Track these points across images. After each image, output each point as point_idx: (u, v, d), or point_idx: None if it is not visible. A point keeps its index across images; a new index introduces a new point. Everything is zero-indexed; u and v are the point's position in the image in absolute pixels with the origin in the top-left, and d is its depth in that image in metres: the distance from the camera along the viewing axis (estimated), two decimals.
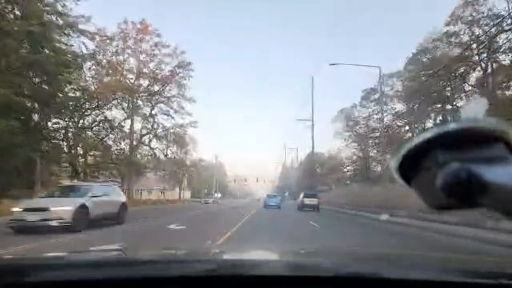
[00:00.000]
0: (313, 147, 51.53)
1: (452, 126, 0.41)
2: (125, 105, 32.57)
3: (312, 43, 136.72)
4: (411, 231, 12.08)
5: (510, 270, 1.22)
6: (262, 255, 1.70)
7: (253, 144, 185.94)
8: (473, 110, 0.45)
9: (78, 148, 27.82)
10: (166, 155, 38.82)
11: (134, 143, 35.33)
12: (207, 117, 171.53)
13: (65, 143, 26.68)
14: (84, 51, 26.11)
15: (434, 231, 11.30)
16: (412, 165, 0.43)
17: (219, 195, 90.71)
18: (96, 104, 27.11)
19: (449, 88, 28.44)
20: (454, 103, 27.44)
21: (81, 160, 28.86)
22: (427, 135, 0.41)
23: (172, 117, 35.49)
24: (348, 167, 56.37)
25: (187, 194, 75.69)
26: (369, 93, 45.41)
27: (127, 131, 33.16)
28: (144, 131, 35.67)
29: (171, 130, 36.76)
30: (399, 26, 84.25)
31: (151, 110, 34.34)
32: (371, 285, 1.00)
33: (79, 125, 27.36)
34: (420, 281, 0.97)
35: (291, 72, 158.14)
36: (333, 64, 22.58)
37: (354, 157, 53.12)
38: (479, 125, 0.40)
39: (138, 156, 42.72)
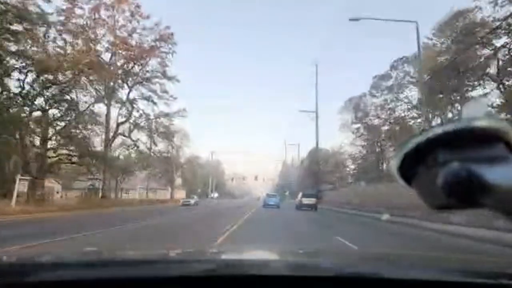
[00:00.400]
0: (317, 141, 45.85)
1: (452, 125, 0.40)
2: (98, 87, 26.70)
3: (314, 35, 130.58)
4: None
5: (510, 270, 1.19)
6: (262, 255, 1.67)
7: (253, 142, 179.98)
8: (473, 109, 0.46)
9: (28, 137, 21.86)
10: (150, 149, 32.96)
11: (111, 133, 29.48)
12: (205, 116, 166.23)
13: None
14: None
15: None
16: (413, 165, 0.43)
17: (216, 194, 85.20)
18: (46, 79, 21.08)
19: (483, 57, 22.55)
20: (501, 78, 21.50)
21: (38, 151, 22.95)
22: (428, 134, 0.41)
23: (154, 103, 29.58)
24: (354, 163, 50.55)
25: (181, 194, 69.96)
26: (382, 79, 39.60)
27: (99, 118, 27.22)
28: (121, 119, 29.73)
29: (153, 118, 30.84)
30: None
31: (128, 93, 28.39)
32: (371, 285, 0.98)
33: (30, 108, 21.37)
34: (420, 281, 0.95)
35: (291, 67, 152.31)
36: (354, 20, 16.78)
37: (362, 152, 47.22)
38: (480, 125, 0.39)
39: (123, 151, 37.06)
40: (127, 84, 27.65)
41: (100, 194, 29.39)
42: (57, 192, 52.98)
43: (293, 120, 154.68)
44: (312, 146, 61.42)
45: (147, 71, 27.85)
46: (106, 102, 28.39)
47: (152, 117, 30.17)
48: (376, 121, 41.80)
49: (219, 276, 1.00)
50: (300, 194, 30.08)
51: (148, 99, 29.03)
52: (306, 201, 27.57)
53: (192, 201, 34.46)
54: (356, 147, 47.37)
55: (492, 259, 2.55)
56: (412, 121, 39.36)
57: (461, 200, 0.38)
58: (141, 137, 32.94)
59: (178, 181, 62.42)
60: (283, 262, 1.29)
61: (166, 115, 32.05)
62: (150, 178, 53.10)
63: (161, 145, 46.78)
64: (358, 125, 43.52)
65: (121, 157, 50.15)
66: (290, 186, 74.33)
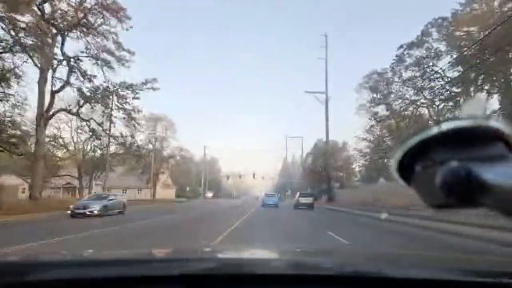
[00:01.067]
0: (327, 129, 36.60)
1: (451, 124, 0.39)
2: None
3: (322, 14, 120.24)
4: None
5: (510, 269, 1.16)
6: (262, 254, 1.62)
7: (252, 140, 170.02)
8: (472, 108, 0.43)
9: None
10: (107, 131, 23.65)
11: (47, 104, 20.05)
12: (203, 114, 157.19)
13: None
14: None
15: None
16: (411, 164, 0.42)
17: (210, 194, 76.19)
18: None
19: None
20: None
21: None
22: (426, 133, 0.40)
23: (107, 64, 20.20)
24: (368, 157, 41.26)
25: (170, 193, 60.71)
26: (410, 48, 30.28)
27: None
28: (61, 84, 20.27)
29: (112, 89, 21.50)
30: None
31: (62, 44, 18.74)
32: (371, 284, 0.95)
33: None
34: (420, 280, 0.93)
35: (295, 54, 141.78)
36: None
37: (374, 144, 37.91)
38: (479, 124, 0.39)
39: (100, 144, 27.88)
40: (56, 27, 17.98)
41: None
42: (23, 192, 44.49)
43: (295, 115, 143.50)
44: (317, 139, 52.65)
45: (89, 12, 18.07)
46: (37, 61, 19.04)
47: (106, 84, 20.74)
48: (399, 102, 32.75)
49: (219, 274, 0.97)
50: (297, 194, 31.00)
51: (96, 58, 19.68)
52: (303, 200, 28.16)
53: (96, 207, 15.28)
54: (371, 137, 38.21)
55: (492, 258, 2.41)
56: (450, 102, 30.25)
57: (460, 199, 0.37)
58: (94, 114, 23.59)
59: (164, 179, 52.99)
60: (284, 261, 1.26)
61: (130, 86, 22.76)
62: (126, 174, 43.83)
63: (141, 136, 37.81)
64: (378, 108, 34.25)
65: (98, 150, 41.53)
66: (292, 185, 65.69)
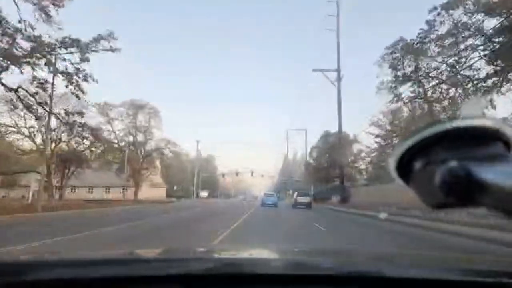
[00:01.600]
0: (339, 113, 29.77)
1: (450, 124, 0.39)
2: None
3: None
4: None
5: (510, 269, 1.14)
6: (262, 254, 1.59)
7: (252, 137, 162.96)
8: (471, 107, 0.42)
9: None
10: (42, 104, 16.84)
11: None
12: (201, 114, 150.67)
13: None
14: None
15: None
16: (410, 164, 0.41)
17: (205, 193, 69.56)
18: None
19: None
20: None
21: None
22: (425, 133, 0.39)
23: None
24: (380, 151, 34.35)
25: (160, 192, 54.03)
26: (446, 8, 23.65)
27: None
28: None
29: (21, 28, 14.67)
30: None
31: None
32: (371, 284, 0.95)
33: None
34: (420, 280, 0.92)
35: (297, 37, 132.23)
36: None
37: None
38: (478, 123, 0.38)
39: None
40: None
41: None
42: None
43: (297, 109, 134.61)
44: (324, 131, 45.90)
45: None
46: None
47: (22, 25, 13.95)
48: (429, 79, 26.02)
49: (218, 274, 0.96)
50: (296, 193, 31.14)
51: None
52: (301, 199, 27.95)
53: None
54: (381, 132, 31.54)
55: (492, 258, 2.33)
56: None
57: (459, 199, 0.36)
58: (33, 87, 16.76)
59: (152, 176, 46.15)
60: (283, 261, 1.25)
61: (76, 42, 16.05)
62: (102, 170, 37.03)
63: (119, 125, 31.12)
64: (402, 89, 27.38)
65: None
66: (293, 184, 59.24)
